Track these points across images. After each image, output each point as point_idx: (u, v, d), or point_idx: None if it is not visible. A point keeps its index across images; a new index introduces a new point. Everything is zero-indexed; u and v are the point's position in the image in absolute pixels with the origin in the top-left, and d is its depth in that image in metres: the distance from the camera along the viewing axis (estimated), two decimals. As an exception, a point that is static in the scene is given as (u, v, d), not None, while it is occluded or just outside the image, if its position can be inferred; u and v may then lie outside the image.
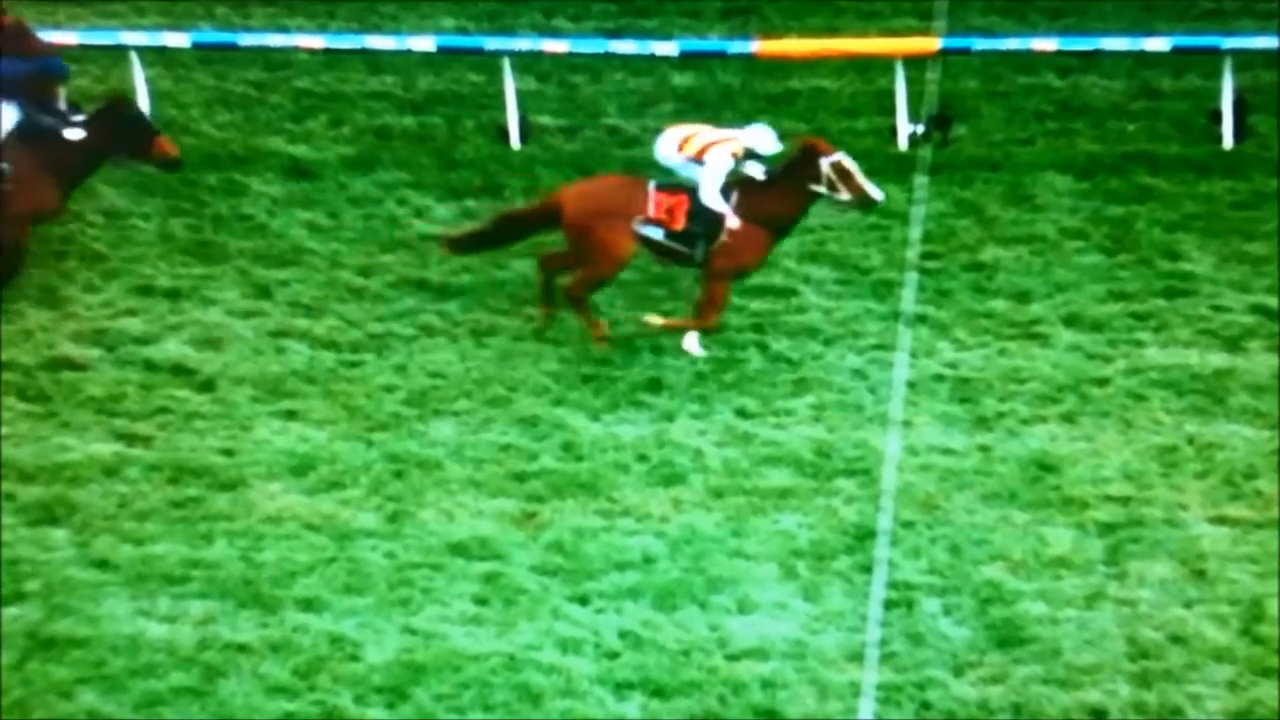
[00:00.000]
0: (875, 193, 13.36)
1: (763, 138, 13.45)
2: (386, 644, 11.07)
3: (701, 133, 13.61)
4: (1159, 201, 14.90)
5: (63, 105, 14.16)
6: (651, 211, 13.30)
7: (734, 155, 13.38)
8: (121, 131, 13.92)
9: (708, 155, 13.36)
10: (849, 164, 13.31)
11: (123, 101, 14.25)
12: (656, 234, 13.35)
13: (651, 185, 13.44)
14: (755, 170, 13.48)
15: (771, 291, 14.17)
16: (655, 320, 13.45)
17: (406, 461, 12.57)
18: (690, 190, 13.36)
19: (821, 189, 13.30)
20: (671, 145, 13.64)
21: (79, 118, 14.00)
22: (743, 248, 13.33)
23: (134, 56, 16.39)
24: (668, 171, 13.66)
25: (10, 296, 14.09)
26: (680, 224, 13.30)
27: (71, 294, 14.26)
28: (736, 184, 13.40)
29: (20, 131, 13.76)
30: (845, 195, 13.30)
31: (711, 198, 13.30)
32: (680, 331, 13.46)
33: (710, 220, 13.30)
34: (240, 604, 11.37)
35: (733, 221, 13.27)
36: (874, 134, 16.11)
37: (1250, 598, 11.17)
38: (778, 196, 13.37)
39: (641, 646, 10.98)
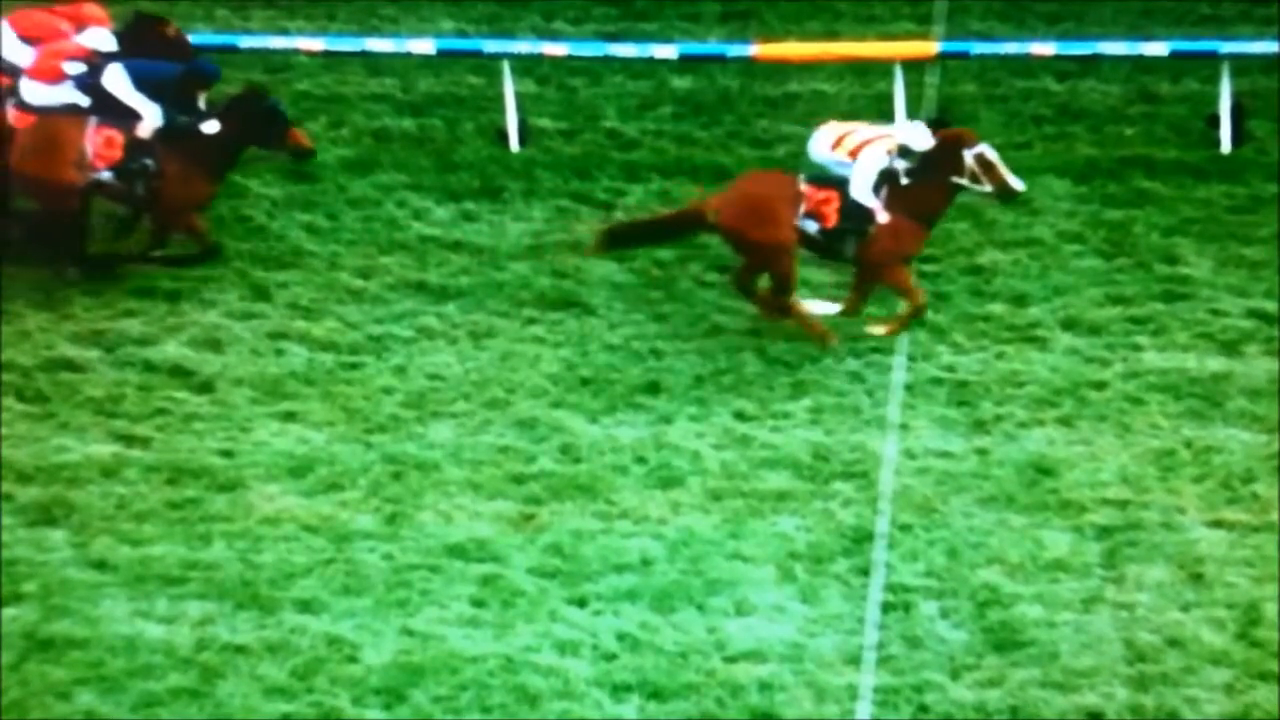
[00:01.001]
0: (1017, 183, 13.38)
1: (916, 134, 13.47)
2: (384, 645, 11.07)
3: (856, 131, 13.66)
4: (1157, 206, 14.91)
5: (202, 105, 14.35)
6: (808, 201, 13.35)
7: (888, 152, 13.41)
8: (255, 122, 14.13)
9: (861, 154, 13.39)
10: (991, 155, 13.35)
11: (256, 93, 14.47)
12: (813, 228, 13.38)
13: (802, 179, 13.47)
14: (900, 164, 13.46)
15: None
16: (878, 329, 13.41)
17: (405, 463, 12.58)
18: (841, 187, 13.39)
19: (964, 181, 13.33)
20: (825, 143, 13.67)
21: (214, 112, 14.22)
22: (898, 238, 13.34)
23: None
24: (818, 166, 13.68)
25: (9, 296, 14.10)
26: (833, 221, 13.35)
27: (70, 295, 14.27)
28: (883, 179, 13.40)
29: (164, 131, 14.02)
30: (987, 186, 13.35)
31: (863, 193, 13.29)
32: (902, 328, 13.44)
33: (860, 217, 13.33)
34: (238, 605, 11.37)
35: (882, 216, 13.30)
36: (872, 137, 16.11)
37: (1247, 601, 11.18)
38: (923, 190, 13.37)
39: (639, 649, 10.99)
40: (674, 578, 11.51)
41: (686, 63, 16.53)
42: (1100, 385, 13.11)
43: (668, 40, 16.87)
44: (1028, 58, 16.14)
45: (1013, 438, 12.63)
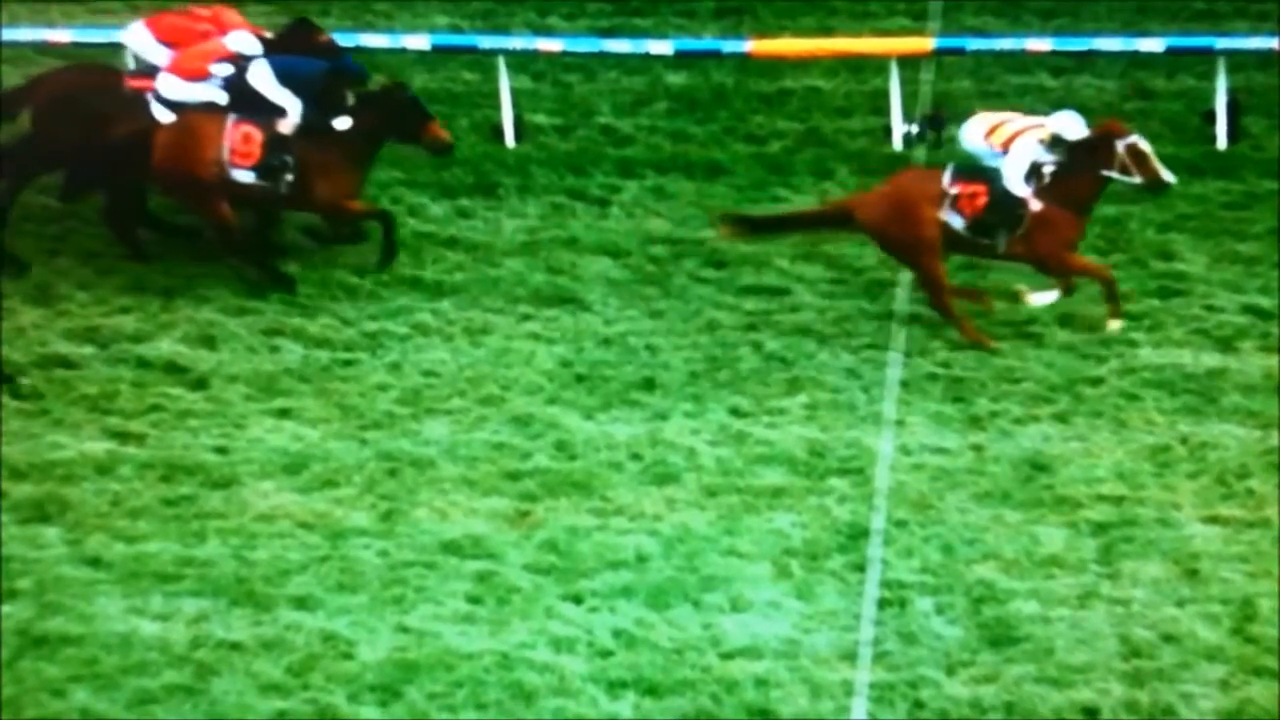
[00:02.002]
0: (1168, 175, 13.36)
1: (1070, 123, 13.44)
2: (379, 642, 11.06)
3: (1009, 121, 13.64)
4: (1152, 202, 14.89)
5: (350, 102, 14.43)
6: (953, 198, 13.32)
7: (1040, 142, 13.38)
8: (395, 116, 14.18)
9: (1014, 144, 13.36)
10: (1144, 146, 13.32)
11: (398, 87, 14.58)
12: (958, 223, 13.36)
13: (948, 173, 13.44)
14: (1050, 156, 13.42)
15: (765, 291, 14.18)
16: (1115, 324, 13.39)
17: (400, 460, 12.57)
18: (989, 179, 13.36)
19: (1114, 173, 13.31)
20: (979, 132, 13.65)
21: (348, 107, 14.28)
22: (1056, 227, 13.31)
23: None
24: (969, 156, 13.66)
25: (4, 293, 14.09)
26: (980, 214, 13.32)
27: (65, 291, 14.26)
28: (1034, 170, 13.37)
29: (304, 128, 14.06)
30: (1138, 178, 13.33)
31: (1015, 183, 13.25)
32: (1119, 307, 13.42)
33: (1010, 208, 13.29)
34: (233, 602, 11.36)
35: (1035, 205, 13.27)
36: (868, 134, 16.12)
37: (1242, 597, 11.18)
38: (1073, 181, 13.34)
39: (635, 645, 10.99)
40: (669, 574, 11.51)
41: (681, 59, 16.53)
42: (1096, 381, 13.11)
43: (663, 36, 16.88)
44: (1023, 54, 16.15)
45: (1008, 434, 12.64)
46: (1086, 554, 11.56)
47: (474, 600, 11.37)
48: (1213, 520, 11.79)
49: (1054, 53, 16.08)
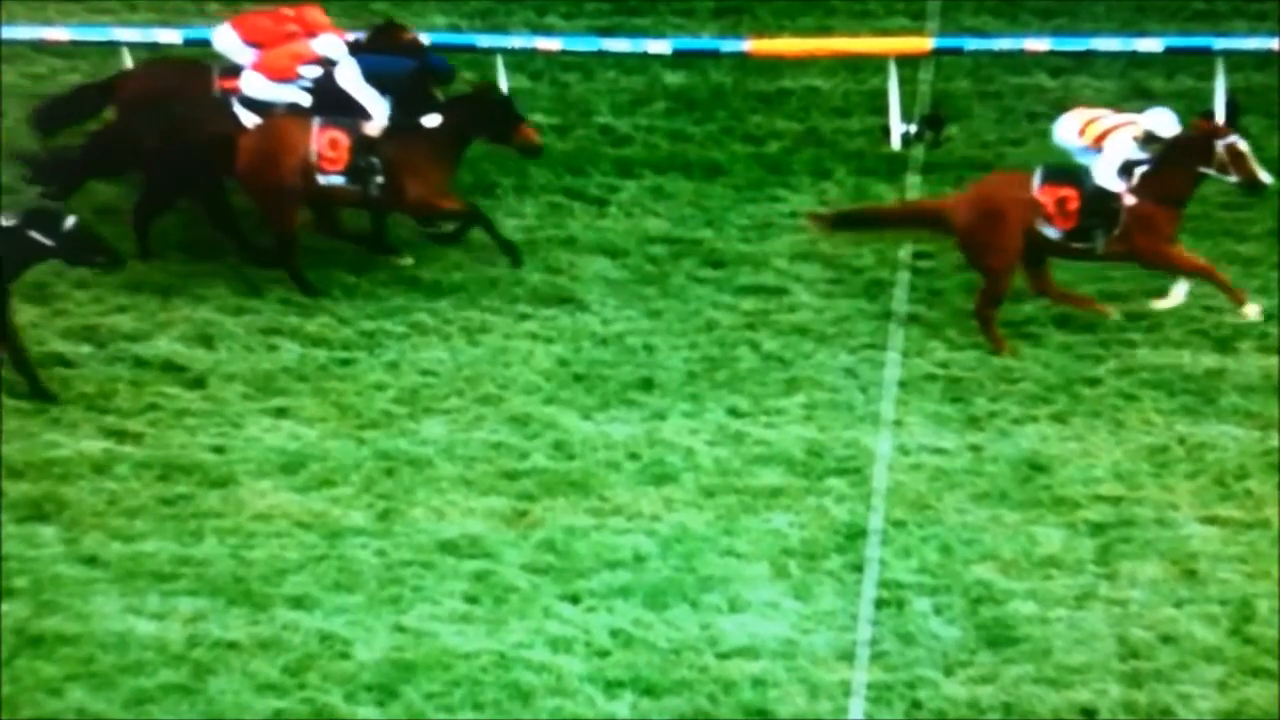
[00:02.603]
0: (1266, 177, 13.32)
1: (1163, 120, 13.41)
2: (376, 642, 11.05)
3: (1102, 118, 13.61)
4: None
5: (440, 99, 14.45)
6: (1042, 207, 13.23)
7: (1135, 139, 13.36)
8: (487, 116, 14.19)
9: (1107, 141, 13.33)
10: (1242, 146, 13.28)
11: (490, 88, 14.66)
12: (1053, 232, 13.30)
13: (1037, 177, 13.37)
14: (1143, 153, 13.37)
15: (763, 291, 14.17)
16: (1252, 309, 13.31)
17: (397, 459, 12.56)
18: (1078, 180, 13.31)
19: (1211, 171, 13.27)
20: (1072, 128, 13.63)
21: (436, 106, 14.26)
22: (1152, 223, 13.25)
23: (126, 53, 16.37)
24: (1062, 153, 13.60)
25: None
26: (1073, 221, 13.25)
27: (62, 290, 14.24)
28: (1127, 166, 13.31)
29: (392, 127, 14.02)
30: (1234, 177, 13.29)
31: (1108, 178, 13.20)
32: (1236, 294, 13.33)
33: (1104, 205, 13.22)
34: (230, 601, 11.35)
35: (1129, 199, 13.21)
36: (866, 134, 16.11)
37: (1240, 598, 11.18)
38: (1169, 177, 13.29)
39: (632, 645, 10.98)
40: (667, 574, 11.50)
41: (680, 58, 16.52)
42: (1094, 382, 13.10)
43: (661, 36, 16.87)
44: (1022, 53, 16.14)
45: (1006, 434, 12.63)
46: (1084, 554, 11.55)
47: (471, 600, 11.36)
48: (1211, 521, 11.78)
49: (1052, 53, 16.07)
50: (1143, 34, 16.14)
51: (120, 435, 12.79)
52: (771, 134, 16.15)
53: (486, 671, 10.83)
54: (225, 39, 14.94)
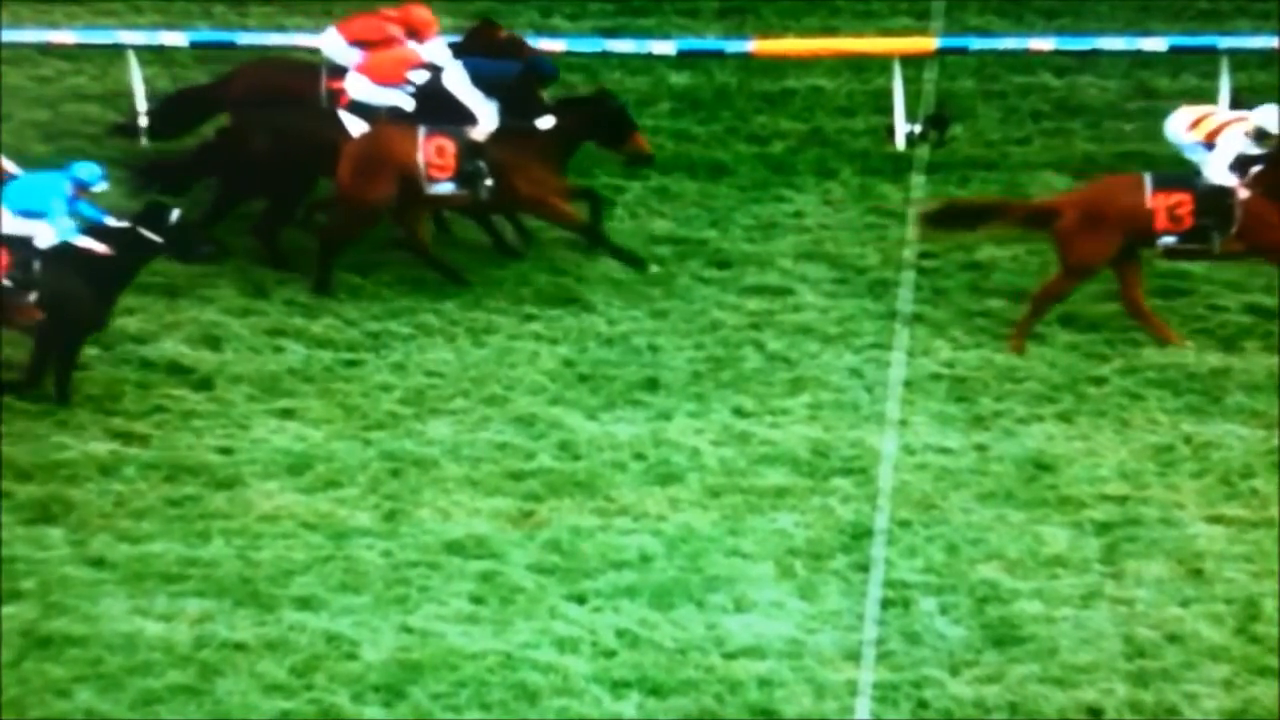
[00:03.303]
0: None
1: (1273, 117, 13.37)
2: (383, 642, 11.06)
3: (1214, 114, 13.60)
4: (1155, 201, 14.90)
5: (548, 102, 14.46)
6: (1154, 215, 13.16)
7: (1246, 135, 13.34)
8: (601, 122, 14.22)
9: (1219, 137, 13.31)
10: None
11: (607, 95, 14.61)
12: (1170, 240, 13.25)
13: (1148, 184, 13.29)
14: (1256, 149, 13.34)
15: (768, 290, 14.17)
16: None
17: (403, 460, 12.57)
18: (1191, 184, 13.26)
19: None
20: (1182, 124, 13.61)
21: (548, 108, 14.26)
22: (1267, 218, 13.19)
23: (131, 55, 16.40)
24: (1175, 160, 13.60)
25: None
26: (1187, 224, 13.21)
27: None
28: (1239, 162, 13.26)
29: (500, 130, 14.01)
30: None
31: (1221, 174, 13.16)
32: None
33: (1219, 202, 13.16)
34: (237, 602, 11.36)
35: (1243, 193, 13.16)
36: (871, 133, 16.12)
37: (1246, 597, 11.18)
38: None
39: (638, 645, 10.98)
40: (673, 574, 11.50)
41: (684, 59, 16.53)
42: (1099, 381, 13.11)
43: (665, 36, 16.89)
44: (1026, 53, 16.15)
45: (1012, 434, 12.63)
46: (1090, 554, 11.55)
47: (477, 600, 11.37)
48: (1216, 520, 11.78)
49: (1057, 52, 16.08)
50: (1147, 33, 16.15)
51: (127, 437, 12.80)
52: (776, 134, 16.16)
53: (493, 672, 10.84)
54: (331, 42, 14.94)
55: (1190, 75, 16.32)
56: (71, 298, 12.89)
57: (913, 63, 16.03)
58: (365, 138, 14.12)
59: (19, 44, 16.76)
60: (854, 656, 10.83)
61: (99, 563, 11.72)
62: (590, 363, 13.48)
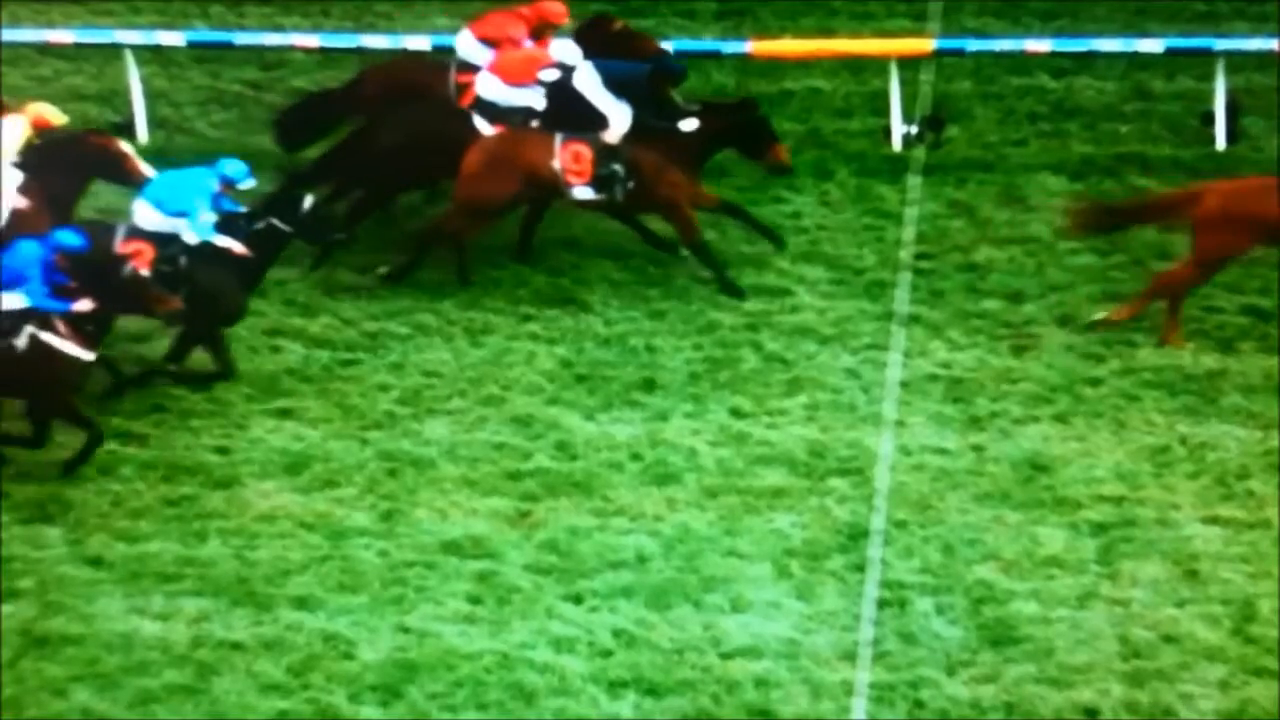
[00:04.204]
0: None
1: None
2: (380, 642, 11.07)
3: None
4: (1152, 203, 14.91)
5: (680, 104, 14.39)
6: None
7: None
8: (742, 131, 14.18)
9: None
10: None
11: (753, 104, 14.54)
12: None
13: None
14: None
15: (766, 291, 14.18)
16: None
17: (400, 460, 12.58)
18: None
19: None
20: None
21: (691, 110, 14.20)
22: None
23: (129, 55, 16.40)
24: None
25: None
26: None
27: (66, 292, 14.25)
28: None
29: (634, 131, 13.97)
30: None
31: None
32: None
33: None
34: (234, 602, 11.38)
35: None
36: (868, 135, 16.13)
37: (1242, 598, 11.19)
38: None
39: (635, 645, 11.00)
40: (670, 574, 11.52)
41: (682, 59, 16.50)
42: (1095, 382, 13.12)
43: (663, 37, 16.85)
44: (1023, 55, 16.16)
45: (1008, 434, 12.65)
46: (1086, 554, 11.57)
47: (474, 600, 11.38)
48: (1213, 521, 11.80)
49: (1054, 54, 16.08)
50: (1144, 35, 16.15)
51: (125, 436, 12.80)
52: (779, 134, 16.14)
53: (490, 672, 10.85)
54: (464, 42, 14.94)
55: (1186, 77, 16.33)
56: (214, 291, 13.05)
57: (910, 64, 16.04)
58: (495, 138, 14.11)
59: (17, 43, 16.76)
60: (850, 657, 10.84)
61: (96, 562, 11.73)
62: (588, 363, 13.50)
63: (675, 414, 12.93)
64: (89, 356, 12.41)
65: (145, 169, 13.65)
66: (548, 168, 13.89)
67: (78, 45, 16.65)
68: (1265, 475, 12.15)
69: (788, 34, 17.05)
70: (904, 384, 13.12)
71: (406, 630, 11.16)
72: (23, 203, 13.38)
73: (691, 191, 14.15)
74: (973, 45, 16.19)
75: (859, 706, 10.55)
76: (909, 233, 14.55)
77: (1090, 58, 16.23)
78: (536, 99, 14.28)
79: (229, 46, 16.72)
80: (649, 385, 13.25)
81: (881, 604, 11.21)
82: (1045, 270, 14.28)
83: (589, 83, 14.08)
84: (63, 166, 13.65)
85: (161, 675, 10.84)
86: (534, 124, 14.28)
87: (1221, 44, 15.75)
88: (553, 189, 14.01)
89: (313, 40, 16.56)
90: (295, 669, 10.88)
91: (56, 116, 13.86)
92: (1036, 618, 11.08)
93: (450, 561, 11.68)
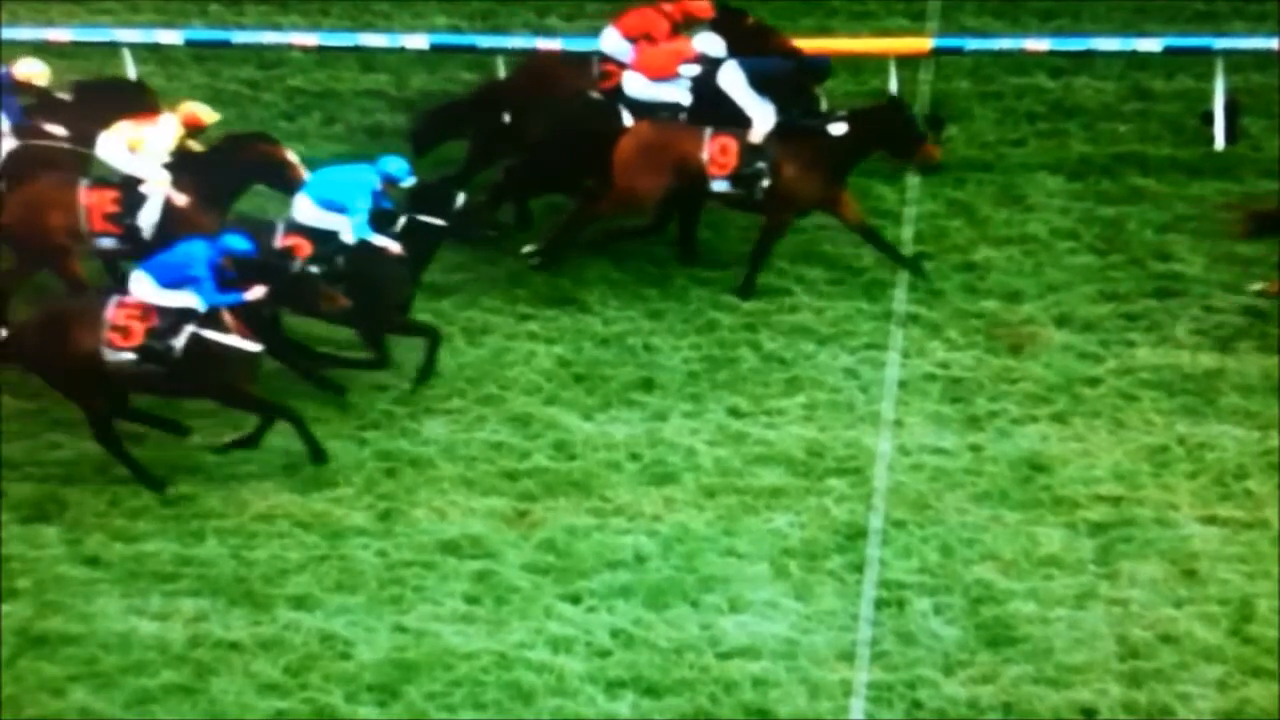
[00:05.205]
0: None
1: None
2: (378, 642, 11.07)
3: None
4: (1150, 202, 14.92)
5: (823, 105, 14.37)
6: None
7: None
8: (891, 131, 14.03)
9: None
10: None
11: (899, 104, 14.48)
12: None
13: None
14: None
15: (764, 291, 14.17)
16: None
17: (399, 460, 12.58)
18: None
19: None
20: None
21: (840, 114, 14.13)
22: None
23: (127, 54, 16.40)
24: None
25: (2, 294, 14.08)
26: None
27: (60, 291, 14.23)
28: None
29: (780, 130, 13.92)
30: None
31: None
32: None
33: None
34: (232, 602, 11.38)
35: None
36: (866, 134, 16.10)
37: (1240, 597, 11.19)
38: None
39: (633, 645, 11.00)
40: (668, 574, 11.52)
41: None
42: (1094, 382, 13.12)
43: (661, 37, 16.84)
44: (1022, 54, 16.14)
45: (1006, 434, 12.64)
46: (1084, 554, 11.57)
47: (472, 600, 11.38)
48: (1211, 521, 11.80)
49: (1053, 53, 16.07)
50: (1143, 34, 16.14)
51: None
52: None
53: (488, 671, 10.85)
54: (610, 40, 14.92)
55: (1185, 77, 16.32)
56: (374, 287, 12.99)
57: (908, 63, 16.03)
58: (647, 128, 14.07)
59: (16, 41, 16.72)
60: (848, 657, 10.85)
61: (94, 562, 11.73)
62: (586, 363, 13.49)
63: (673, 414, 12.92)
64: (256, 348, 12.36)
65: (306, 175, 13.69)
66: (697, 159, 13.88)
67: (76, 44, 16.62)
68: (1263, 475, 12.15)
69: (786, 33, 17.02)
70: (902, 384, 13.12)
71: (404, 630, 11.16)
72: (181, 200, 13.40)
73: (833, 197, 13.99)
74: (971, 44, 16.17)
75: (857, 706, 10.55)
76: (907, 232, 14.55)
77: (1089, 57, 16.22)
78: (681, 94, 14.26)
79: (227, 45, 16.71)
80: (647, 385, 13.24)
81: (879, 604, 11.21)
82: (1043, 270, 14.28)
83: (734, 80, 14.05)
84: (226, 169, 13.70)
85: (159, 675, 10.85)
86: (681, 118, 14.26)
87: (1220, 43, 15.74)
88: (698, 181, 13.94)
89: (311, 39, 16.55)
90: (293, 669, 10.88)
91: (208, 115, 13.90)
92: (1034, 618, 11.09)
93: (448, 561, 11.68)
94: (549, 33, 17.10)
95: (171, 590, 11.47)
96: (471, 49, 16.41)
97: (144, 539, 11.90)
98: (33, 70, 14.51)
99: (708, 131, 13.91)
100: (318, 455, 12.37)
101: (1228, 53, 15.63)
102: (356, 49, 16.58)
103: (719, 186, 13.94)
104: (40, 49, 16.85)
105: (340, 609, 11.31)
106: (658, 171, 13.88)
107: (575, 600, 11.34)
